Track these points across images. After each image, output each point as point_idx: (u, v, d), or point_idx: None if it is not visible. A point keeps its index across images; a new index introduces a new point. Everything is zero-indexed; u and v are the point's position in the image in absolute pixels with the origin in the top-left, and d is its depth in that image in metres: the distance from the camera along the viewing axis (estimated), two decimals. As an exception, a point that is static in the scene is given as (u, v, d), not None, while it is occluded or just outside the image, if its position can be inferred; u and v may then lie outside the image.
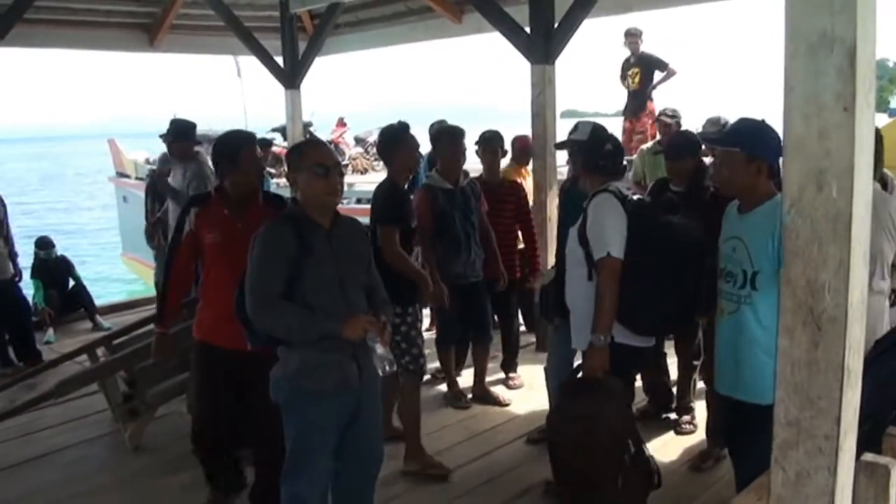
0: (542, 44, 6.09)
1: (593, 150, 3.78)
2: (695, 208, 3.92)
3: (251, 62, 9.94)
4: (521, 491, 4.27)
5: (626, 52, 9.84)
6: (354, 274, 3.19)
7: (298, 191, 3.13)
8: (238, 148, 3.70)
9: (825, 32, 1.60)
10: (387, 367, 3.04)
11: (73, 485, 4.50)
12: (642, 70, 9.60)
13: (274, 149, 10.45)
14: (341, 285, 3.10)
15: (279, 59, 9.44)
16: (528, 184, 6.38)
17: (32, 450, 5.01)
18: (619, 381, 3.50)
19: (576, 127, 4.35)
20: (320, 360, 3.05)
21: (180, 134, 6.50)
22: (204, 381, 3.88)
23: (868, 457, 1.96)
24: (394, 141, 4.55)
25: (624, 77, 9.84)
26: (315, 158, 3.08)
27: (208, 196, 3.88)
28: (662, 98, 9.59)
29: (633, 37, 9.61)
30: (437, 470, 4.52)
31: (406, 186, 4.78)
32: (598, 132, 4.02)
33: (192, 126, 6.62)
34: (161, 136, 6.64)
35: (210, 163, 5.79)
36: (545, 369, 4.63)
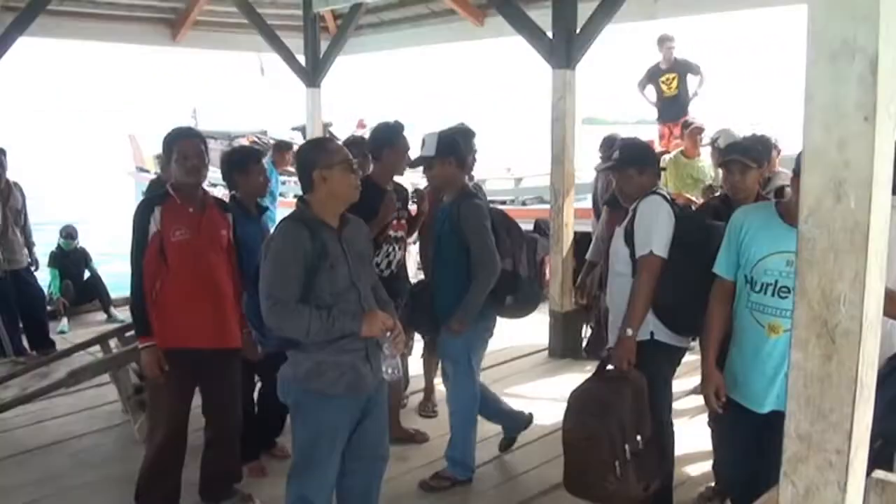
0: (564, 48, 6.07)
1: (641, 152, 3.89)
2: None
3: (272, 61, 10.00)
4: (538, 492, 4.28)
5: (654, 60, 9.64)
6: (364, 273, 3.20)
7: (321, 188, 3.05)
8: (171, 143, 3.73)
9: (847, 40, 1.57)
10: (393, 372, 3.05)
11: (83, 473, 4.54)
12: (679, 75, 9.50)
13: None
14: (354, 285, 3.09)
15: (301, 58, 9.48)
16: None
17: (44, 437, 5.05)
18: (642, 375, 3.55)
19: (423, 142, 4.33)
20: (334, 362, 3.03)
21: None
22: (177, 393, 3.76)
23: (879, 474, 1.93)
24: (386, 139, 4.48)
25: (647, 84, 9.68)
26: (345, 154, 3.12)
27: (166, 194, 3.73)
28: (696, 105, 9.54)
29: (669, 42, 9.44)
30: (418, 436, 4.97)
31: None
32: (460, 143, 4.30)
33: None
34: None
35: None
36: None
